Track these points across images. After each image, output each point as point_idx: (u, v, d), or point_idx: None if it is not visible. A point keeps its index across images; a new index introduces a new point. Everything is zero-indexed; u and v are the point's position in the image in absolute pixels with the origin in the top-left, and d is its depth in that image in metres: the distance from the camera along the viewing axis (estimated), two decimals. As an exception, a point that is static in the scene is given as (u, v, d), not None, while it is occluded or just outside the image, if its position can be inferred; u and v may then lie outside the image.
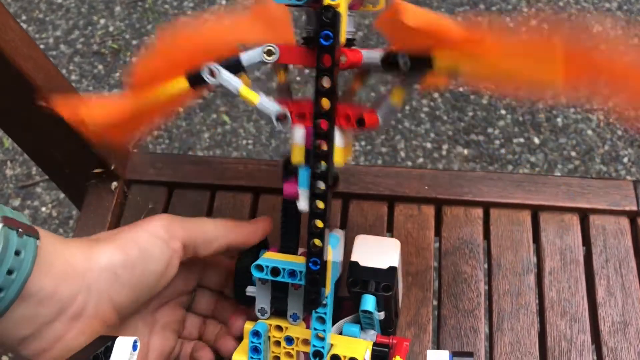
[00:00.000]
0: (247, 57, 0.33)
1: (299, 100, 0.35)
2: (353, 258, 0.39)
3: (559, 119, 1.22)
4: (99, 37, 1.39)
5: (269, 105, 0.33)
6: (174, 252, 0.36)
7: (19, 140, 0.49)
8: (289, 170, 0.38)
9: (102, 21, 1.43)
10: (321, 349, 0.35)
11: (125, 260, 0.34)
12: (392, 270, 0.38)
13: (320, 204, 0.31)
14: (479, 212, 0.53)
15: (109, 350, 0.32)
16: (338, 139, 0.33)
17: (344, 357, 0.34)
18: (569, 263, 0.50)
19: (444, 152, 1.20)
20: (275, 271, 0.35)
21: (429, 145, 1.21)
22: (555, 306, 0.48)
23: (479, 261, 0.50)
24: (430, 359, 0.30)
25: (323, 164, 0.30)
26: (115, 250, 0.34)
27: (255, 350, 0.36)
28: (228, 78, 0.32)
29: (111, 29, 1.41)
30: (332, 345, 0.35)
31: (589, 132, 1.21)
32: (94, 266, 0.33)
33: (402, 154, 1.20)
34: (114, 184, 0.55)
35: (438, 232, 0.52)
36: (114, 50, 1.38)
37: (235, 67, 0.33)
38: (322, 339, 0.35)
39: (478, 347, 0.47)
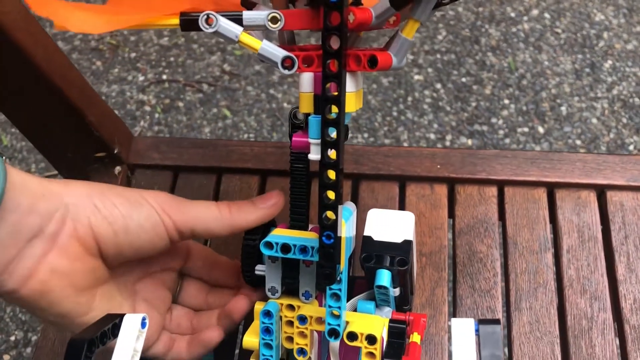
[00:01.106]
0: (249, 17, 0.31)
1: (305, 46, 0.33)
2: (366, 232, 0.37)
3: (563, 108, 1.20)
4: (97, 34, 1.38)
5: (274, 49, 0.30)
6: (162, 223, 0.34)
7: (19, 122, 0.48)
8: (297, 124, 0.36)
9: (100, 17, 1.41)
10: (337, 327, 0.33)
11: (104, 195, 0.33)
12: (407, 243, 0.36)
13: (332, 174, 0.29)
14: (493, 190, 0.51)
15: (116, 327, 0.31)
16: (349, 84, 0.31)
17: (361, 334, 0.33)
18: (587, 240, 0.48)
19: (447, 143, 1.18)
20: (285, 248, 0.33)
21: (432, 136, 1.19)
22: (574, 284, 0.47)
23: (494, 240, 0.49)
24: (455, 327, 0.28)
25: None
26: (93, 185, 0.33)
27: (266, 331, 0.34)
28: (226, 25, 0.30)
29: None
30: (347, 322, 0.34)
31: (594, 120, 1.19)
32: (72, 192, 0.32)
33: (405, 144, 1.18)
34: (118, 168, 0.53)
35: (451, 212, 0.51)
36: (112, 46, 1.36)
37: (234, 22, 0.31)
38: (338, 317, 0.33)
39: (496, 327, 0.45)
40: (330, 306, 0.33)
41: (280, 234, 0.34)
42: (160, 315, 0.38)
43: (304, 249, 0.33)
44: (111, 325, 0.30)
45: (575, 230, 0.49)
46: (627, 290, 0.46)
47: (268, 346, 0.34)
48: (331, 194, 0.29)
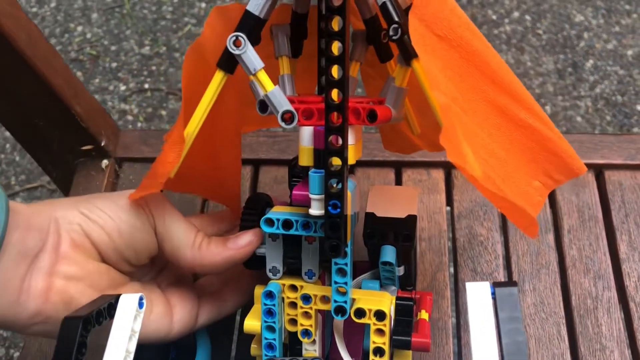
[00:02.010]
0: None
1: (305, 97, 0.32)
2: (369, 209, 0.36)
3: (547, 107, 1.21)
4: (76, 44, 1.36)
5: (280, 99, 0.29)
6: (148, 221, 0.33)
7: (1, 111, 0.46)
8: (297, 174, 0.35)
9: (80, 28, 1.39)
10: (343, 304, 0.32)
11: (90, 203, 0.33)
12: (411, 219, 0.35)
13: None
14: (490, 173, 0.50)
15: (112, 307, 0.29)
16: (349, 136, 0.29)
17: (369, 310, 0.31)
18: (588, 220, 0.48)
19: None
20: (287, 224, 0.32)
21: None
22: (577, 264, 0.46)
23: (494, 223, 0.48)
24: (470, 291, 0.27)
25: (337, 160, 0.28)
26: (79, 198, 0.34)
27: (269, 313, 0.33)
28: (252, 55, 0.29)
29: (89, 35, 1.38)
30: (354, 299, 0.32)
31: (578, 118, 1.20)
32: (58, 205, 0.32)
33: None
34: (105, 162, 0.51)
35: (449, 196, 0.50)
36: (92, 56, 1.34)
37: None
38: (344, 293, 0.32)
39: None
40: (336, 282, 0.31)
41: (280, 211, 0.33)
42: (191, 286, 0.38)
43: (306, 225, 0.31)
44: (107, 304, 0.29)
45: (575, 211, 0.48)
46: (631, 268, 0.45)
47: (271, 329, 0.33)
48: (337, 161, 0.28)
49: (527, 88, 1.17)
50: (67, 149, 0.50)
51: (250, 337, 0.36)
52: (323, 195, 0.29)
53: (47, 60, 0.44)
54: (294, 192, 0.32)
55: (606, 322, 0.43)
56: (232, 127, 0.37)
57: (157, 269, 0.38)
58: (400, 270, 0.36)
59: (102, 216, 0.32)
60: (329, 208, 0.28)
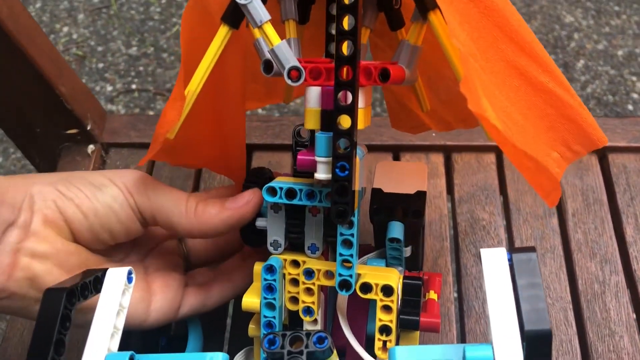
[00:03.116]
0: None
1: (312, 59, 0.30)
2: (376, 185, 0.34)
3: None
4: (62, 45, 1.34)
5: (287, 54, 0.27)
6: (127, 201, 0.32)
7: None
8: (301, 142, 0.33)
9: (65, 29, 1.37)
10: (349, 278, 0.30)
11: (68, 181, 0.31)
12: (420, 195, 0.34)
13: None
14: (491, 157, 0.49)
15: (99, 282, 0.27)
16: (359, 99, 0.28)
17: (376, 284, 0.29)
18: (593, 203, 0.46)
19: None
20: (290, 193, 0.30)
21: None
22: (582, 248, 0.44)
23: (496, 207, 0.47)
24: (486, 258, 0.25)
25: (346, 119, 0.26)
26: (57, 174, 0.32)
27: (269, 289, 0.31)
28: (258, 4, 0.27)
29: (75, 36, 1.36)
30: (359, 275, 0.30)
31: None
32: (35, 182, 0.31)
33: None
34: (91, 147, 0.49)
35: (449, 181, 0.48)
36: (79, 57, 1.32)
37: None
38: (350, 267, 0.30)
39: (505, 295, 0.42)
40: (341, 254, 0.29)
41: (283, 180, 0.31)
42: (180, 274, 0.35)
43: (311, 194, 0.29)
44: (93, 278, 0.27)
45: (579, 194, 0.47)
46: (638, 252, 0.44)
47: (270, 306, 0.31)
48: (346, 119, 0.26)
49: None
50: (51, 133, 0.47)
51: (244, 323, 0.34)
52: (330, 158, 0.27)
53: (30, 36, 0.42)
54: (298, 156, 0.30)
55: (614, 306, 0.42)
56: (236, 92, 0.35)
57: (142, 251, 0.36)
58: (407, 252, 0.34)
59: (79, 195, 0.31)
60: (337, 170, 0.27)
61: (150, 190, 0.31)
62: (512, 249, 0.25)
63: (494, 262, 0.25)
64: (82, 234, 0.31)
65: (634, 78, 1.23)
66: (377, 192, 0.34)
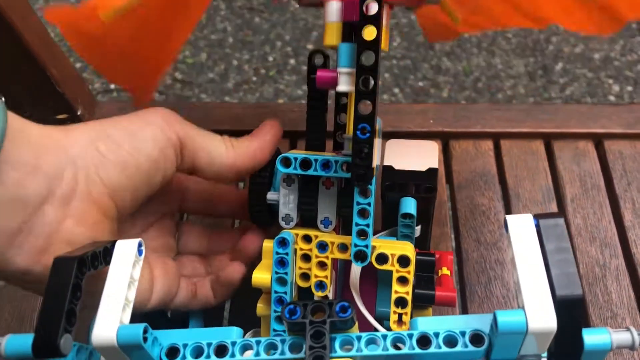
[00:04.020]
0: None
1: None
2: (387, 162, 0.34)
3: (519, 107, 1.22)
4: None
5: None
6: (168, 140, 0.29)
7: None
8: (317, 66, 0.32)
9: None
10: (364, 249, 0.29)
11: (107, 136, 0.28)
12: (432, 171, 0.33)
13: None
14: (489, 144, 0.49)
15: (108, 253, 0.26)
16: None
17: (392, 255, 0.29)
18: (590, 189, 0.46)
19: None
20: (305, 163, 0.29)
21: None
22: (582, 232, 0.44)
23: (495, 192, 0.46)
24: (512, 224, 0.25)
25: (371, 30, 0.25)
26: (93, 127, 0.28)
27: (281, 263, 0.30)
28: None
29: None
30: (374, 247, 0.30)
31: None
32: (74, 140, 0.27)
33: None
34: (81, 132, 0.48)
35: (448, 167, 0.48)
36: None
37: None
38: (366, 237, 0.29)
39: (506, 279, 0.42)
40: (357, 224, 0.29)
41: (296, 152, 0.30)
42: (174, 261, 0.34)
43: (326, 164, 0.29)
44: (102, 248, 0.25)
45: (577, 180, 0.47)
46: (637, 236, 0.44)
47: (282, 281, 0.30)
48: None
49: (499, 90, 1.18)
50: (40, 117, 0.45)
51: (243, 306, 0.33)
52: (353, 70, 0.26)
53: (22, 14, 0.41)
54: (318, 73, 0.28)
55: (615, 289, 0.42)
56: (193, 8, 0.33)
57: (143, 225, 0.34)
58: (417, 231, 0.34)
59: (121, 154, 0.28)
60: (358, 133, 0.26)
61: (188, 128, 0.30)
62: (537, 215, 0.24)
63: (520, 228, 0.24)
64: (125, 200, 0.28)
65: (611, 81, 1.26)
66: (388, 170, 0.33)
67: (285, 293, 0.30)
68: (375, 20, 0.25)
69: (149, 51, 0.33)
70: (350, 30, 0.27)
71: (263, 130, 0.33)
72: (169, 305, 0.33)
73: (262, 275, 0.30)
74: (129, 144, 0.28)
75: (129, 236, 0.32)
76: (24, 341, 0.22)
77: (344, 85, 0.27)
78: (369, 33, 0.25)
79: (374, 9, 0.24)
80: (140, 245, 0.26)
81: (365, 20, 0.25)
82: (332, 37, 0.28)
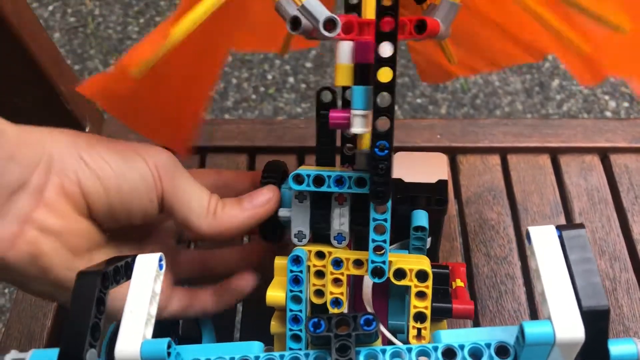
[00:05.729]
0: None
1: (340, 15, 0.30)
2: (395, 175, 0.34)
3: (517, 124, 1.22)
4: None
5: (319, 8, 0.26)
6: (154, 186, 0.29)
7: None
8: (325, 104, 0.32)
9: (40, 47, 1.34)
10: (382, 265, 0.29)
11: (95, 151, 0.28)
12: (442, 183, 0.33)
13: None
14: (496, 158, 0.49)
15: (129, 268, 0.26)
16: None
17: (410, 270, 0.29)
18: (598, 203, 0.47)
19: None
20: (319, 180, 0.29)
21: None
22: (591, 246, 0.44)
23: (504, 207, 0.47)
24: (535, 235, 0.25)
25: (387, 72, 0.25)
26: (80, 136, 0.28)
27: (295, 281, 0.30)
28: None
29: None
30: (390, 262, 0.30)
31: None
32: (55, 140, 0.27)
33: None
34: (89, 149, 0.48)
35: (456, 182, 0.48)
36: (53, 75, 1.29)
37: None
38: (383, 253, 0.29)
39: (517, 293, 0.42)
40: (374, 240, 0.29)
41: (308, 169, 0.30)
42: (169, 272, 0.33)
43: (339, 180, 0.29)
44: (124, 262, 0.25)
45: (584, 194, 0.47)
46: (646, 249, 0.44)
47: (297, 300, 0.30)
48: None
49: (497, 107, 1.18)
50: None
51: (254, 321, 0.32)
52: (368, 112, 0.26)
53: (33, 33, 0.41)
54: (331, 113, 0.28)
55: (627, 303, 0.42)
56: (215, 55, 0.33)
57: (140, 236, 0.34)
58: (427, 242, 0.34)
59: (104, 168, 0.28)
60: (376, 150, 0.26)
61: (177, 179, 0.30)
62: (560, 226, 0.25)
63: (543, 239, 0.24)
64: (98, 210, 0.28)
65: (607, 97, 1.27)
66: (398, 183, 0.34)
67: (300, 311, 0.29)
68: (391, 62, 0.25)
69: (180, 99, 0.33)
70: (362, 70, 0.27)
71: (260, 199, 0.31)
72: (161, 315, 0.32)
73: (276, 294, 0.30)
74: (115, 164, 0.28)
75: (126, 245, 0.32)
76: (49, 356, 0.22)
77: (358, 127, 0.27)
78: (385, 75, 0.25)
79: (389, 51, 0.25)
80: (160, 259, 0.26)
81: (380, 62, 0.25)
82: (343, 78, 0.28)
